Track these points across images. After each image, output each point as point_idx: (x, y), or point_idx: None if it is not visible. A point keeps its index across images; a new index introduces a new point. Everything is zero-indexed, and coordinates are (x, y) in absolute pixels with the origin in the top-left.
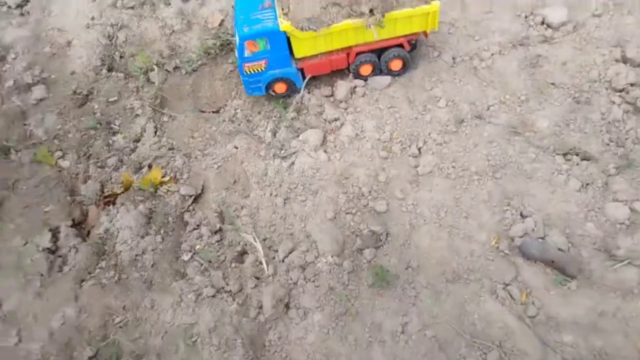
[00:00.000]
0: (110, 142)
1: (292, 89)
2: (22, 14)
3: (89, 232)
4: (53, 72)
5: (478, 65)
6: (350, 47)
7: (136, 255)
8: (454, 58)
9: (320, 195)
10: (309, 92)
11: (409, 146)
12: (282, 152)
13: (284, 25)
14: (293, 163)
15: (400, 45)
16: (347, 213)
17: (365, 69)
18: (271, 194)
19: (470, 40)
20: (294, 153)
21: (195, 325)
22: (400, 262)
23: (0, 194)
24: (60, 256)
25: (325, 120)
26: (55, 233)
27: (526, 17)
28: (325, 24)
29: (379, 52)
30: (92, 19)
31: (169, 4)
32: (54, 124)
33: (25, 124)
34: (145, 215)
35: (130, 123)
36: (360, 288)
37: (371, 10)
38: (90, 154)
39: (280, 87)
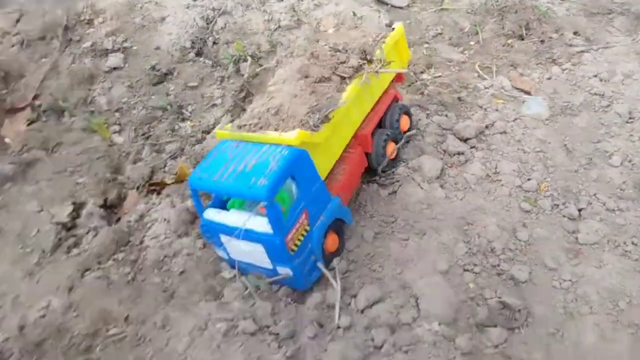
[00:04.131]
0: (176, 127)
1: (342, 240)
2: None
3: (118, 220)
4: (136, 44)
5: None
6: (356, 135)
7: (165, 257)
8: (630, 112)
9: (430, 238)
10: (427, 117)
11: (564, 204)
12: (382, 178)
13: (298, 134)
14: (395, 192)
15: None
16: (465, 270)
17: (392, 150)
18: (357, 223)
19: None
20: (397, 181)
21: None
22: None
23: (34, 154)
24: (74, 235)
25: (444, 151)
26: (78, 208)
27: None
28: (335, 104)
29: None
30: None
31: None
32: (121, 96)
33: (90, 89)
34: (191, 213)
35: (204, 112)
36: None
37: (363, 58)
38: (150, 135)
39: (333, 242)
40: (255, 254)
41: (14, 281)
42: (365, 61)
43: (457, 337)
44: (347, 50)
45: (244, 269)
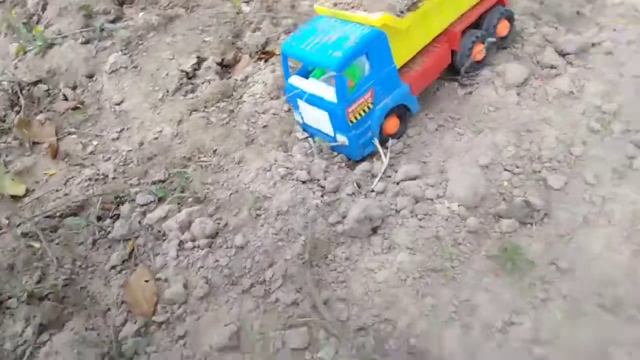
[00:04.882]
0: (297, 5)
1: (404, 123)
2: None
3: (229, 77)
4: None
5: None
6: (447, 30)
7: (255, 112)
8: None
9: (484, 136)
10: (535, 27)
11: (637, 131)
12: (463, 78)
13: (381, 17)
14: (471, 93)
15: (497, 3)
16: (506, 170)
17: (480, 53)
18: (426, 115)
19: None
20: (477, 83)
21: (268, 200)
22: (546, 254)
23: (176, 11)
24: (192, 83)
25: (538, 62)
26: (200, 62)
27: None
28: None
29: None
30: None
31: None
32: None
33: None
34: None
35: None
36: (475, 256)
37: None
38: (272, 9)
39: (393, 125)
40: (321, 121)
41: (142, 110)
42: None
43: (470, 218)
44: None
45: (313, 134)
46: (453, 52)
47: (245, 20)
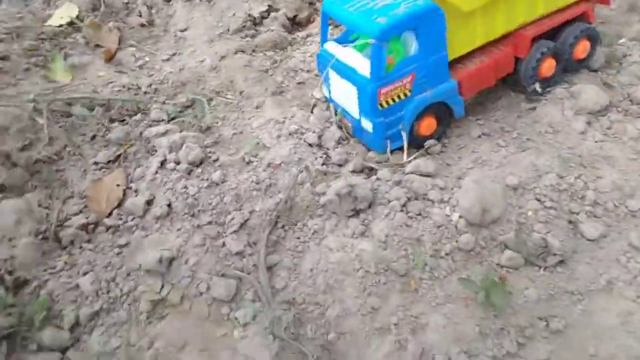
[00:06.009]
0: None
1: (443, 126)
2: None
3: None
4: None
5: None
6: (514, 33)
7: (300, 69)
8: None
9: (527, 155)
10: None
11: None
12: (531, 91)
13: None
14: (534, 109)
15: (581, 18)
16: (537, 199)
17: (549, 68)
18: (477, 120)
19: None
20: (545, 100)
21: (265, 150)
22: (540, 305)
23: None
24: (255, 30)
25: (628, 95)
26: (271, 11)
27: None
28: None
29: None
30: None
31: None
32: None
33: None
34: None
35: None
36: (453, 275)
37: None
38: None
39: (427, 126)
40: (349, 97)
41: (201, 43)
42: None
43: (465, 236)
44: None
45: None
46: (517, 62)
47: None
